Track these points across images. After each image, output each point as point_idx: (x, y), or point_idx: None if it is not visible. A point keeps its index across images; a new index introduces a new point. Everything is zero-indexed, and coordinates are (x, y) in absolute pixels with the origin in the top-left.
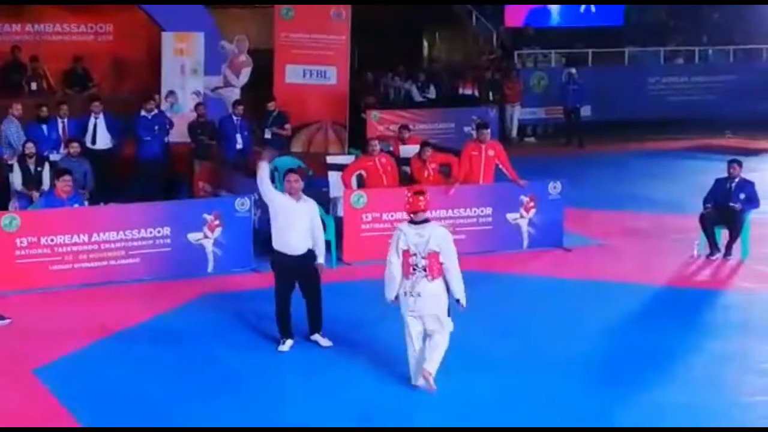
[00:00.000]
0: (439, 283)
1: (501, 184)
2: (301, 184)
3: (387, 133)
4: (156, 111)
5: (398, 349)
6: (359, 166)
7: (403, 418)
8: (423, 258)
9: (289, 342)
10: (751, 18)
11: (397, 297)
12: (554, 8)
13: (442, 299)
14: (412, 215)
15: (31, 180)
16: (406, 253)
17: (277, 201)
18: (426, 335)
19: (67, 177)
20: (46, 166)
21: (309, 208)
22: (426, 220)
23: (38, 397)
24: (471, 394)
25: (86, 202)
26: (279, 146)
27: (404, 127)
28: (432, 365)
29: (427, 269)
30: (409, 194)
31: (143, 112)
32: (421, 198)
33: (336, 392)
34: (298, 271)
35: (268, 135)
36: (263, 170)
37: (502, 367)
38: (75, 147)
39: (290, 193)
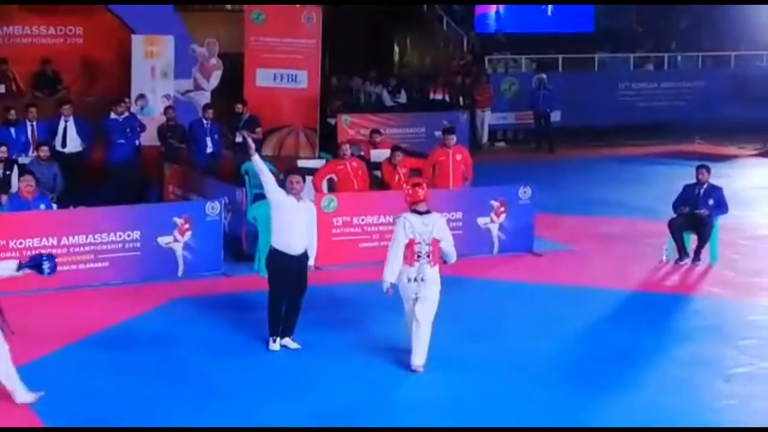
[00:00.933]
0: (437, 269)
1: (471, 188)
2: (302, 186)
3: (358, 137)
4: (127, 114)
5: (374, 351)
6: (330, 170)
7: (382, 419)
8: (427, 245)
9: (278, 341)
10: (720, 25)
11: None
12: (524, 14)
13: (438, 284)
14: (414, 206)
15: (0, 184)
16: (412, 242)
17: (284, 200)
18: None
19: (28, 177)
20: (15, 169)
21: (309, 208)
22: (428, 210)
23: (7, 400)
24: (445, 395)
25: (54, 205)
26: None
27: (376, 131)
28: (420, 358)
29: (430, 255)
30: (408, 187)
31: (113, 115)
32: (420, 189)
33: (308, 394)
34: (294, 271)
35: (239, 138)
36: (261, 163)
37: (474, 369)
38: (44, 151)
39: (292, 194)
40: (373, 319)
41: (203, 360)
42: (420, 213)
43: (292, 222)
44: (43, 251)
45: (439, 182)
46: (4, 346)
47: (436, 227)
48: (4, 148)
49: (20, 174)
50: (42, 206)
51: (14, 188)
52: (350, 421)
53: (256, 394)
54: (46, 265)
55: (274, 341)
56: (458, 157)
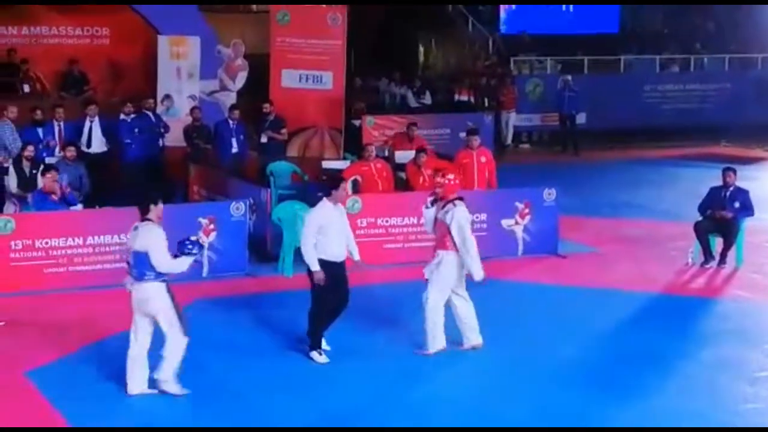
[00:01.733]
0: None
1: (496, 190)
2: (349, 192)
3: (382, 138)
4: (134, 114)
5: (396, 352)
6: (355, 171)
7: (398, 418)
8: None
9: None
10: (746, 26)
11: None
12: (549, 15)
13: None
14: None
15: (27, 183)
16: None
17: (325, 219)
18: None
19: (52, 172)
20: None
21: (343, 211)
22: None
23: (31, 400)
24: (465, 395)
25: (80, 205)
26: (275, 151)
27: (413, 124)
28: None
29: None
30: (443, 179)
31: (122, 116)
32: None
33: (328, 394)
34: (344, 277)
35: (264, 139)
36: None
37: (497, 371)
38: (71, 151)
39: (339, 202)
40: (398, 321)
41: (227, 360)
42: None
43: (338, 230)
44: (187, 239)
45: (463, 184)
46: None
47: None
48: (31, 148)
49: (41, 170)
50: (71, 195)
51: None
52: (369, 420)
53: (272, 394)
54: (194, 249)
55: (321, 354)
56: (483, 159)
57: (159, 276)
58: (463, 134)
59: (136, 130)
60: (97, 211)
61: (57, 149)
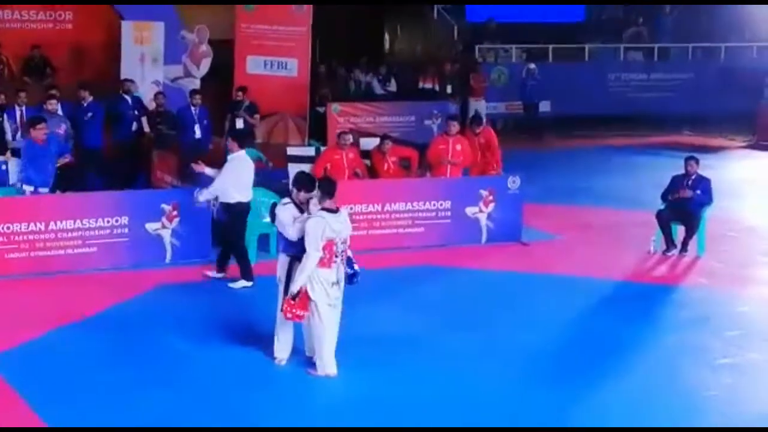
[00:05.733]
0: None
1: (460, 178)
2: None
3: (347, 125)
4: (90, 99)
5: (354, 340)
6: (327, 159)
7: (352, 418)
8: (342, 243)
9: None
10: (710, 16)
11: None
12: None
13: None
14: (329, 203)
15: None
16: (331, 243)
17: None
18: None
19: (42, 124)
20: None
21: None
22: (338, 207)
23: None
24: (426, 387)
25: (68, 155)
26: (249, 137)
27: (386, 137)
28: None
29: (343, 255)
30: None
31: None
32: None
33: (288, 390)
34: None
35: (240, 124)
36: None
37: (457, 359)
38: (53, 104)
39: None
40: (361, 309)
41: (188, 346)
42: (333, 211)
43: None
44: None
45: (437, 171)
46: None
47: (347, 223)
48: None
49: (28, 121)
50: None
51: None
52: (324, 419)
53: (229, 383)
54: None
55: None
56: (458, 147)
57: None
58: (428, 122)
59: (90, 114)
60: (59, 196)
61: (18, 134)
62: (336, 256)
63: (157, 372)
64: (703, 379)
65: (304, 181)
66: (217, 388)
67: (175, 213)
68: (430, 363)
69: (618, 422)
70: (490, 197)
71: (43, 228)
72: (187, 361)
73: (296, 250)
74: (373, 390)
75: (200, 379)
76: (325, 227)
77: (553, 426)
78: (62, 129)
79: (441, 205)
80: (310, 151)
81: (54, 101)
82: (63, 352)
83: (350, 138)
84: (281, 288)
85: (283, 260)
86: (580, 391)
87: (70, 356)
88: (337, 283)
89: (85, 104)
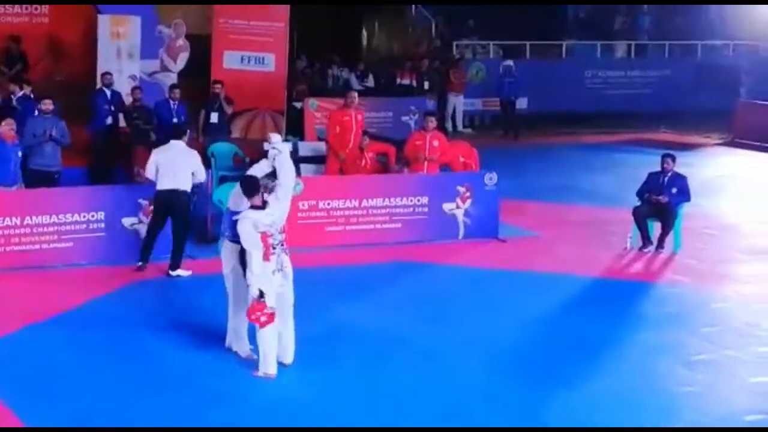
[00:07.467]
0: None
1: (437, 174)
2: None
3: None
4: (21, 93)
5: (337, 337)
6: (338, 119)
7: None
8: (280, 233)
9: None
10: (687, 14)
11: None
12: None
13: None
14: (256, 202)
15: None
16: (265, 236)
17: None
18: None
19: (10, 120)
20: None
21: None
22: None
23: None
24: (400, 383)
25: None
26: (224, 131)
27: (364, 132)
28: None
29: (284, 243)
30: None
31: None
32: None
33: (266, 388)
34: None
35: (214, 119)
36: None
37: (433, 355)
38: (47, 104)
39: None
40: (337, 305)
41: (164, 343)
42: (259, 207)
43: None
44: None
45: (414, 167)
46: None
47: (279, 213)
48: None
49: None
50: (19, 153)
51: None
52: (285, 419)
53: (210, 378)
54: None
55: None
56: (435, 143)
57: None
58: (405, 118)
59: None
60: (35, 190)
61: None
62: (273, 248)
63: (133, 369)
64: (679, 376)
65: (248, 187)
66: (191, 385)
67: (151, 208)
68: (405, 359)
69: (593, 420)
70: (467, 193)
71: (18, 223)
72: (158, 356)
73: None
74: (347, 387)
75: (173, 376)
76: (256, 223)
77: (529, 426)
78: (58, 129)
79: (418, 201)
80: (287, 146)
81: (48, 101)
82: (39, 348)
83: (356, 97)
84: (233, 279)
85: (232, 248)
86: (556, 389)
87: (47, 352)
88: (280, 270)
89: (15, 98)
